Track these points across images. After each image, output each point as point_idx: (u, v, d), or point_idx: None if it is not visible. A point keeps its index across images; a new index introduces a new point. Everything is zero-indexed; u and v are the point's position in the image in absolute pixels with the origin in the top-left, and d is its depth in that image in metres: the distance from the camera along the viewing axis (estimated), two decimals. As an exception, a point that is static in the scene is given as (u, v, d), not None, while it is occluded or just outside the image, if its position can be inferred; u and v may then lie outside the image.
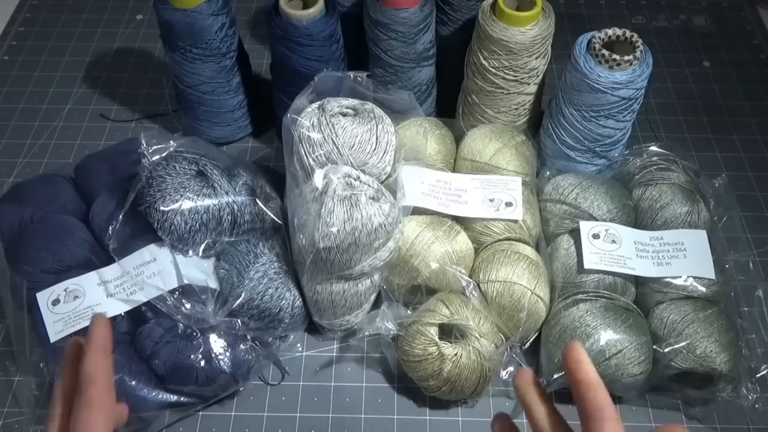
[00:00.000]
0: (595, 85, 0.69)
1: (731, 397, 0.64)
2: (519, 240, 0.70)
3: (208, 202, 0.65)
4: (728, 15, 1.09)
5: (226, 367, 0.63)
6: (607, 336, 0.62)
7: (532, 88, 0.77)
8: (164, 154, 0.66)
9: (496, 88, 0.76)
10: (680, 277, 0.67)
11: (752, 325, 0.70)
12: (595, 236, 0.68)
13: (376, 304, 0.70)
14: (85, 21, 1.07)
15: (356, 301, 0.67)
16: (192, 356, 0.62)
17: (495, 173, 0.73)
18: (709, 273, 0.67)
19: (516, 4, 0.73)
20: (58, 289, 0.64)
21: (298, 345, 0.72)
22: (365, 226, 0.59)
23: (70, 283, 0.64)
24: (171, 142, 0.67)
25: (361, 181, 0.62)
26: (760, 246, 0.80)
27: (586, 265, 0.67)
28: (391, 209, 0.61)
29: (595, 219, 0.70)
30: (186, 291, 0.64)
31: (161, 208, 0.64)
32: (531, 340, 0.68)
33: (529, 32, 0.71)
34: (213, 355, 0.62)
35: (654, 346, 0.64)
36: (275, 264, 0.67)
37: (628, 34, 0.70)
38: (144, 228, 0.66)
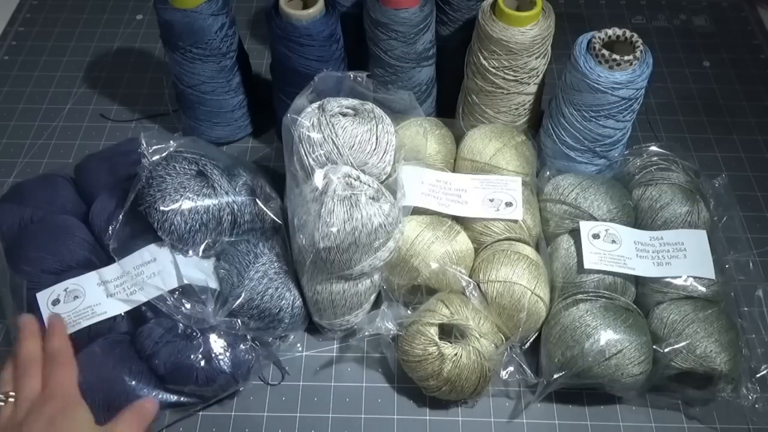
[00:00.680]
0: (595, 85, 0.69)
1: (731, 397, 0.64)
2: (519, 240, 0.70)
3: (208, 202, 0.65)
4: (728, 15, 1.09)
5: (226, 367, 0.62)
6: (607, 336, 0.62)
7: (532, 88, 0.77)
8: (164, 154, 0.66)
9: (496, 88, 0.76)
10: (680, 277, 0.67)
11: (752, 325, 0.70)
12: (595, 236, 0.68)
13: (376, 304, 0.70)
14: (85, 21, 1.07)
15: (356, 301, 0.67)
16: (192, 356, 0.62)
17: (495, 173, 0.73)
18: (709, 273, 0.67)
19: (516, 4, 0.73)
20: (58, 289, 0.64)
21: (298, 345, 0.72)
22: (365, 226, 0.59)
23: (70, 283, 0.64)
24: (171, 142, 0.67)
25: (361, 181, 0.62)
26: (760, 246, 0.80)
27: (586, 265, 0.67)
28: (391, 209, 0.61)
29: (595, 219, 0.70)
30: (186, 291, 0.64)
31: (161, 208, 0.64)
32: (531, 340, 0.68)
33: (529, 32, 0.71)
34: (213, 355, 0.62)
35: (654, 346, 0.64)
36: (275, 264, 0.67)
37: (628, 34, 0.70)
38: (144, 228, 0.66)
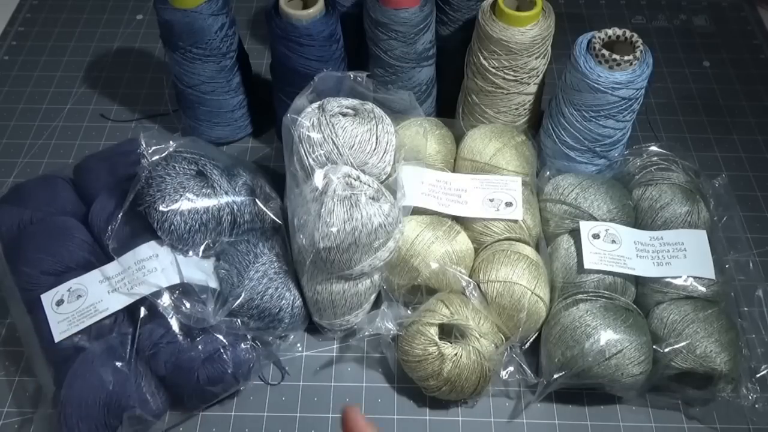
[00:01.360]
0: (595, 85, 0.69)
1: (731, 397, 0.64)
2: (519, 240, 0.70)
3: (207, 202, 0.65)
4: (728, 15, 1.09)
5: (226, 367, 0.62)
6: (607, 336, 0.62)
7: (532, 88, 0.77)
8: (164, 154, 0.66)
9: (496, 88, 0.76)
10: (680, 277, 0.67)
11: (752, 325, 0.70)
12: (595, 236, 0.68)
13: (376, 304, 0.70)
14: (85, 21, 1.07)
15: (356, 301, 0.67)
16: (192, 356, 0.62)
17: (495, 173, 0.73)
18: (709, 273, 0.67)
19: (516, 4, 0.73)
20: (62, 290, 0.64)
21: (298, 345, 0.72)
22: (365, 226, 0.59)
23: (73, 283, 0.64)
24: (171, 142, 0.67)
25: (361, 181, 0.62)
26: (760, 246, 0.80)
27: (586, 265, 0.67)
28: (391, 209, 0.61)
29: (595, 219, 0.70)
30: (186, 291, 0.64)
31: (161, 208, 0.64)
32: (531, 340, 0.68)
33: (529, 32, 0.71)
34: (213, 355, 0.62)
35: (654, 346, 0.64)
36: (275, 264, 0.67)
37: (628, 34, 0.70)
38: (144, 228, 0.66)
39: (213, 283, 0.66)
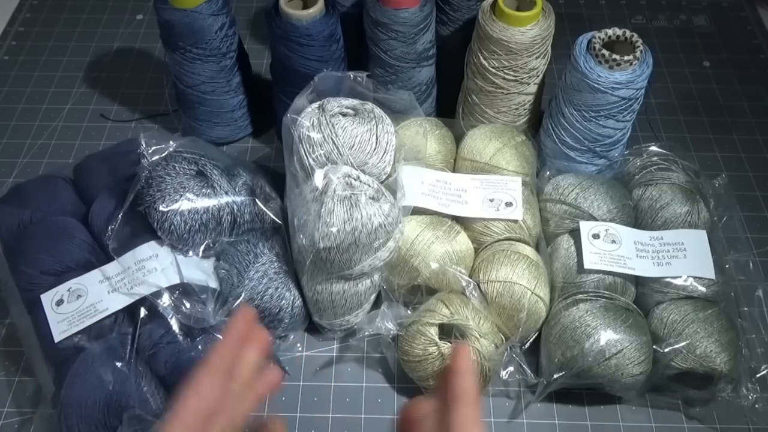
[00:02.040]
0: (595, 85, 0.69)
1: (731, 397, 0.64)
2: (519, 240, 0.70)
3: (207, 202, 0.65)
4: (728, 15, 1.09)
5: (226, 367, 0.62)
6: (607, 336, 0.62)
7: (532, 88, 0.77)
8: (164, 154, 0.66)
9: (496, 88, 0.76)
10: (680, 277, 0.67)
11: (752, 325, 0.70)
12: (595, 236, 0.68)
13: (376, 304, 0.70)
14: (85, 21, 1.07)
15: (356, 301, 0.67)
16: (192, 356, 0.62)
17: (495, 173, 0.73)
18: (709, 273, 0.67)
19: (516, 4, 0.73)
20: (62, 290, 0.64)
21: (298, 345, 0.72)
22: (365, 226, 0.59)
23: (73, 283, 0.64)
24: (171, 142, 0.67)
25: (361, 181, 0.62)
26: (760, 246, 0.80)
27: (586, 265, 0.67)
28: (391, 209, 0.61)
29: (595, 219, 0.70)
30: (186, 291, 0.64)
31: (161, 208, 0.64)
32: (531, 340, 0.68)
33: (529, 32, 0.71)
34: (213, 355, 0.62)
35: (654, 346, 0.64)
36: (275, 264, 0.67)
37: (628, 34, 0.70)
38: (144, 228, 0.66)
39: (213, 283, 0.66)
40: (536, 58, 0.73)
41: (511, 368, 0.65)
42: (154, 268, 0.64)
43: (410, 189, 0.68)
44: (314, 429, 0.66)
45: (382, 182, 0.65)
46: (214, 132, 0.87)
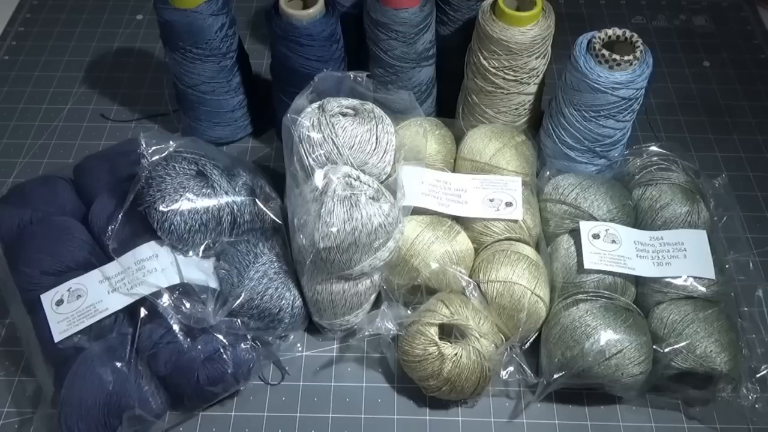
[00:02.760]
0: (595, 85, 0.69)
1: (731, 397, 0.64)
2: (519, 240, 0.70)
3: (207, 202, 0.65)
4: (728, 15, 1.09)
5: (226, 367, 0.62)
6: (607, 336, 0.62)
7: (532, 88, 0.77)
8: (164, 154, 0.66)
9: (496, 88, 0.76)
10: (680, 277, 0.67)
11: (752, 325, 0.70)
12: (595, 236, 0.68)
13: (376, 304, 0.70)
14: (85, 21, 1.07)
15: (356, 301, 0.67)
16: (192, 356, 0.62)
17: (495, 173, 0.73)
18: (709, 273, 0.67)
19: (516, 4, 0.73)
20: (61, 290, 0.64)
21: (298, 345, 0.72)
22: (365, 226, 0.59)
23: (73, 283, 0.64)
24: (171, 142, 0.67)
25: (361, 181, 0.62)
26: (760, 246, 0.80)
27: (586, 265, 0.67)
28: (391, 209, 0.61)
29: (595, 219, 0.70)
30: (186, 291, 0.64)
31: (161, 208, 0.64)
32: (531, 340, 0.68)
33: (529, 32, 0.71)
34: (213, 355, 0.62)
35: (654, 346, 0.64)
36: (275, 264, 0.67)
37: (628, 34, 0.70)
38: (144, 228, 0.66)
39: (213, 283, 0.66)
40: (536, 58, 0.73)
41: (511, 368, 0.65)
42: (154, 268, 0.64)
43: (410, 189, 0.68)
44: (314, 429, 0.67)
45: (382, 182, 0.65)
46: (214, 132, 0.87)
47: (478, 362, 0.63)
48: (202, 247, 0.67)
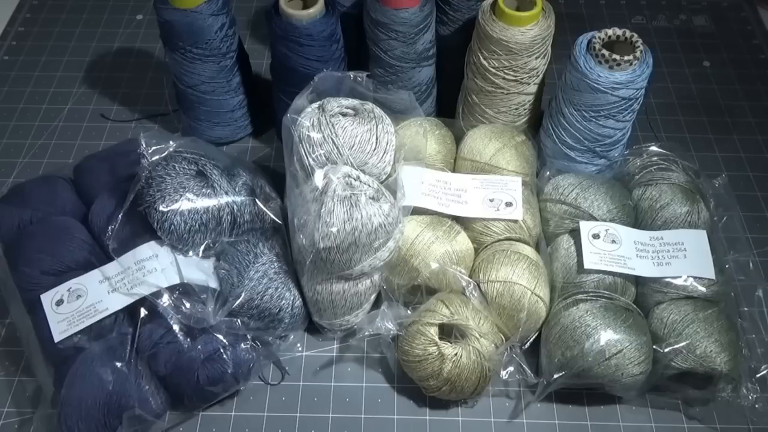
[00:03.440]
0: (595, 85, 0.69)
1: (731, 397, 0.64)
2: (519, 240, 0.70)
3: (207, 202, 0.65)
4: (728, 15, 1.09)
5: (226, 367, 0.62)
6: (607, 336, 0.62)
7: (532, 88, 0.77)
8: (164, 154, 0.66)
9: (496, 88, 0.76)
10: (680, 277, 0.67)
11: (752, 325, 0.70)
12: (595, 236, 0.68)
13: (376, 304, 0.70)
14: (85, 21, 1.07)
15: (356, 301, 0.67)
16: (192, 356, 0.62)
17: (495, 173, 0.73)
18: (709, 273, 0.67)
19: (516, 4, 0.73)
20: (61, 290, 0.64)
21: (298, 345, 0.72)
22: (365, 226, 0.59)
23: (73, 283, 0.64)
24: (170, 142, 0.67)
25: (361, 181, 0.62)
26: (760, 246, 0.80)
27: (586, 265, 0.67)
28: (391, 209, 0.61)
29: (595, 219, 0.70)
30: (186, 291, 0.64)
31: (161, 208, 0.64)
32: (531, 340, 0.68)
33: (529, 32, 0.71)
34: (213, 355, 0.62)
35: (654, 346, 0.64)
36: (275, 264, 0.67)
37: (628, 34, 0.70)
38: (144, 228, 0.66)
39: (213, 283, 0.66)
40: (536, 58, 0.73)
41: (511, 368, 0.65)
42: (154, 268, 0.64)
43: (410, 189, 0.68)
44: (314, 429, 0.67)
45: (382, 182, 0.65)
46: (214, 132, 0.87)
47: (478, 362, 0.63)
48: (202, 247, 0.67)
